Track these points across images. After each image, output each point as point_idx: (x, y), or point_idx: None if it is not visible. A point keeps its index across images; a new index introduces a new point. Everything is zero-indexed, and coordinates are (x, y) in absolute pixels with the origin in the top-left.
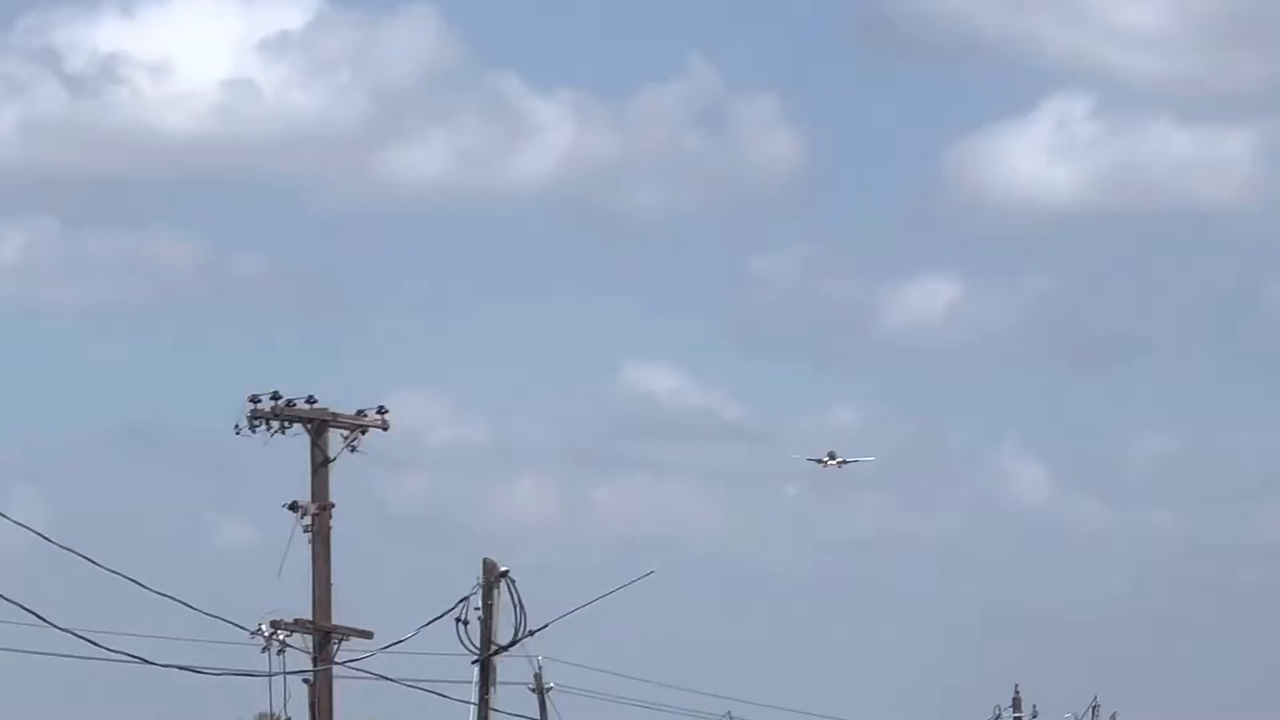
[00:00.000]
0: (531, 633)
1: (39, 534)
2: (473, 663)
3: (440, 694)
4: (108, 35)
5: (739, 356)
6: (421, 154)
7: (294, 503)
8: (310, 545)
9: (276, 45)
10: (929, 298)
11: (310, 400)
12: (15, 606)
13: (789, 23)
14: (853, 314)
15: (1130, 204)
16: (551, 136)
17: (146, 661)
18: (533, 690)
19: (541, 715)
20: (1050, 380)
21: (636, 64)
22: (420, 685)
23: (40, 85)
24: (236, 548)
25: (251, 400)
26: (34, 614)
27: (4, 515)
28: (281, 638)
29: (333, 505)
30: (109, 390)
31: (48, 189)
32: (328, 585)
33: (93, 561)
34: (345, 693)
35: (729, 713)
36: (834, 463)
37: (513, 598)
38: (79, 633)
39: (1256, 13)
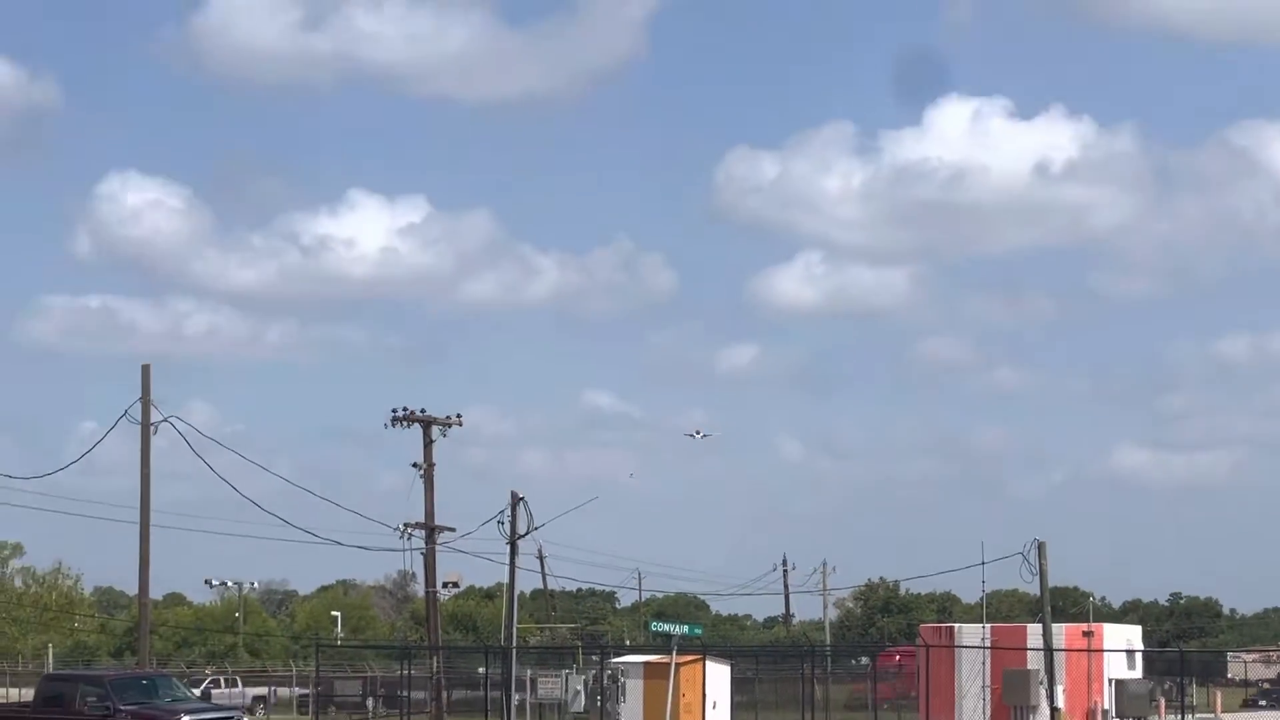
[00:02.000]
0: (536, 528)
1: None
2: (506, 543)
3: (489, 559)
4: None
5: None
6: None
7: (415, 462)
8: (424, 484)
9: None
10: None
11: (422, 410)
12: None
13: None
14: None
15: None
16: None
17: (340, 544)
18: (537, 557)
19: (542, 570)
20: None
21: None
22: (480, 555)
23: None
24: (390, 486)
25: (393, 411)
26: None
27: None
28: (409, 531)
29: (434, 464)
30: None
31: None
32: (433, 505)
33: (332, 501)
34: (441, 560)
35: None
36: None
37: (526, 511)
38: (313, 531)
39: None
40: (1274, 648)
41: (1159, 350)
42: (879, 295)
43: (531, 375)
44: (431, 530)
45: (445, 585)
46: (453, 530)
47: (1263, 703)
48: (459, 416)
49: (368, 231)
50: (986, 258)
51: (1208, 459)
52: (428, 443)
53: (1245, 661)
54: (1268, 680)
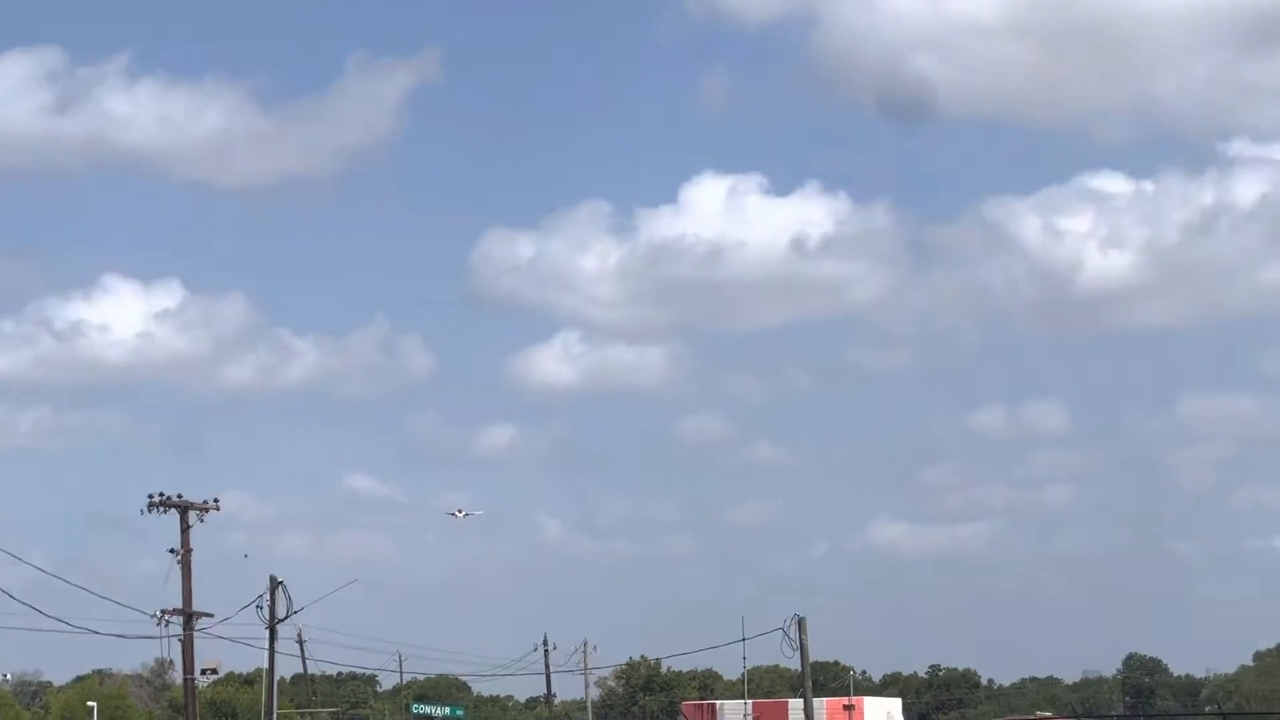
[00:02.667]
0: (295, 612)
1: (39, 566)
2: (265, 628)
3: (249, 644)
4: None
5: None
6: None
7: (172, 548)
8: (181, 570)
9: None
10: None
11: (179, 495)
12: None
13: None
14: None
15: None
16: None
17: (95, 632)
18: (297, 641)
19: (302, 654)
20: None
21: None
22: (239, 641)
23: None
24: (148, 573)
25: (149, 496)
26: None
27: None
28: (167, 617)
29: (191, 550)
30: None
31: None
32: (190, 591)
33: (86, 589)
34: (199, 647)
35: None
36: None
37: (286, 595)
38: (67, 620)
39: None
40: (1030, 717)
41: (916, 423)
42: (637, 373)
43: (291, 459)
44: (189, 616)
45: (204, 672)
46: (211, 616)
47: None
48: (216, 501)
49: (123, 316)
50: (744, 334)
51: (965, 531)
52: (185, 528)
53: None
54: None
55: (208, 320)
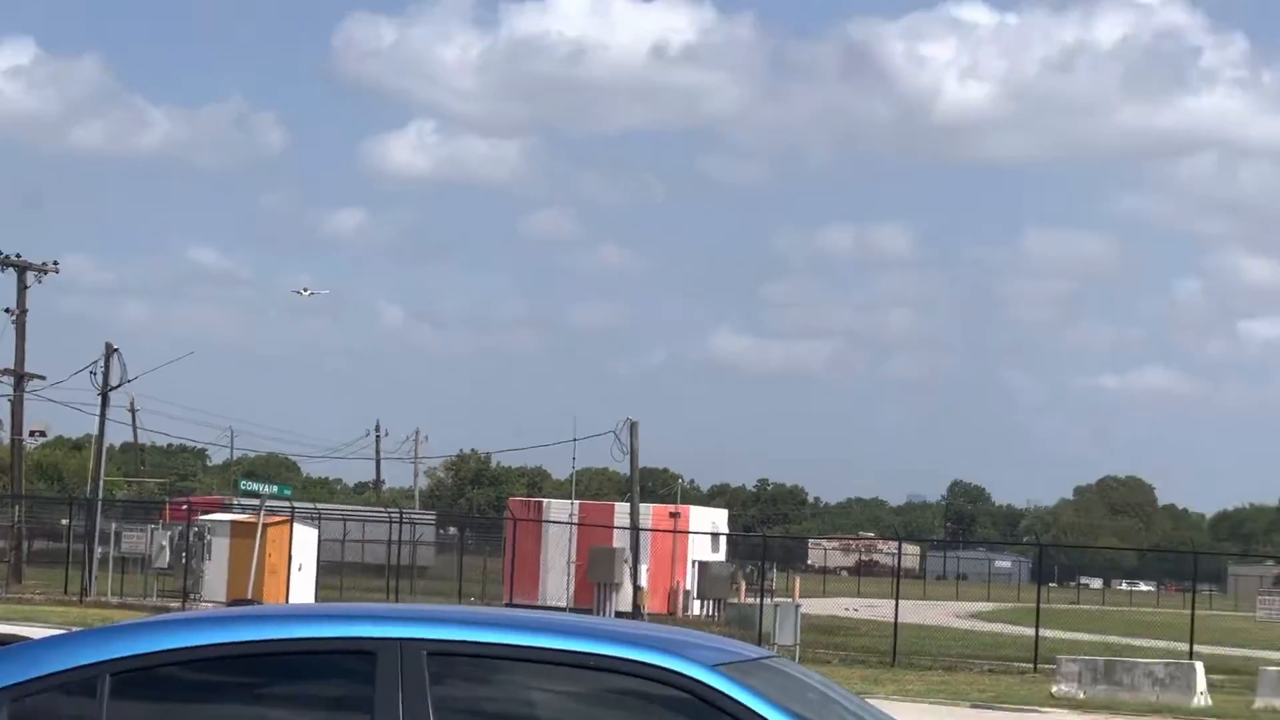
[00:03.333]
0: (129, 380)
1: None
2: (98, 394)
3: (79, 409)
4: None
5: None
6: None
7: (7, 308)
8: (15, 331)
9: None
10: None
11: (17, 254)
12: None
13: None
14: None
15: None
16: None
17: None
18: (129, 409)
19: (133, 423)
20: None
21: None
22: (70, 405)
23: None
24: None
25: None
26: None
27: None
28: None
29: (26, 310)
30: None
31: None
32: (23, 352)
33: None
34: (29, 409)
35: None
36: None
37: (121, 363)
38: None
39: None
40: (853, 536)
41: (763, 238)
42: (490, 167)
43: (135, 227)
44: (20, 377)
45: (32, 434)
46: (43, 379)
47: None
48: (55, 263)
49: None
50: (600, 136)
51: (804, 348)
52: (22, 288)
53: (825, 549)
54: (845, 568)
55: (59, 80)
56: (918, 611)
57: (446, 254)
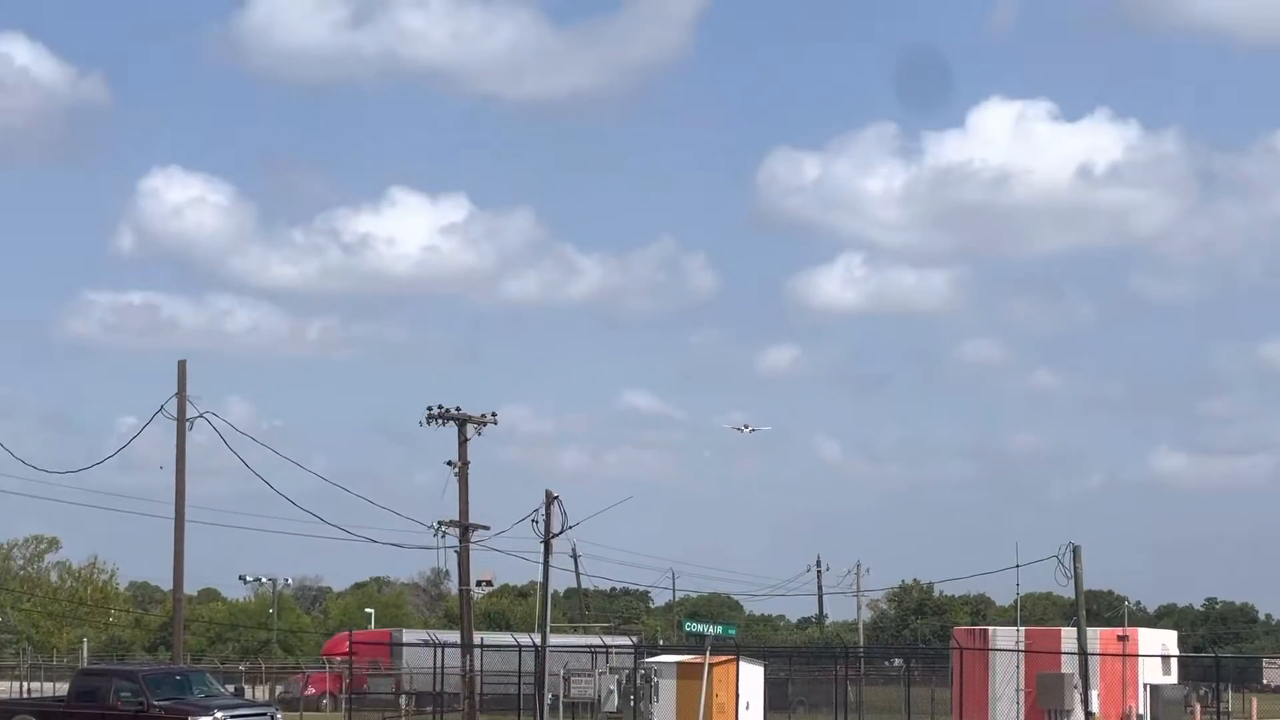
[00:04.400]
0: (570, 527)
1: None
2: (540, 542)
3: (523, 558)
4: None
5: None
6: None
7: (450, 460)
8: (458, 482)
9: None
10: None
11: (458, 408)
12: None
13: None
14: None
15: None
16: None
17: (374, 541)
18: (571, 556)
19: (575, 569)
20: None
21: None
22: (514, 554)
23: None
24: (425, 484)
25: (428, 408)
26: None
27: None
28: (444, 528)
29: (469, 462)
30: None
31: None
32: (467, 503)
33: (366, 498)
34: (475, 559)
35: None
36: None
37: (561, 510)
38: (347, 529)
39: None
40: None
41: (1199, 354)
42: (919, 297)
43: (570, 375)
44: (465, 528)
45: (479, 584)
46: (486, 529)
47: None
48: (494, 415)
49: (410, 229)
50: (1027, 260)
51: (1247, 463)
52: (463, 441)
53: None
54: None
55: (493, 235)
56: None
57: (880, 386)
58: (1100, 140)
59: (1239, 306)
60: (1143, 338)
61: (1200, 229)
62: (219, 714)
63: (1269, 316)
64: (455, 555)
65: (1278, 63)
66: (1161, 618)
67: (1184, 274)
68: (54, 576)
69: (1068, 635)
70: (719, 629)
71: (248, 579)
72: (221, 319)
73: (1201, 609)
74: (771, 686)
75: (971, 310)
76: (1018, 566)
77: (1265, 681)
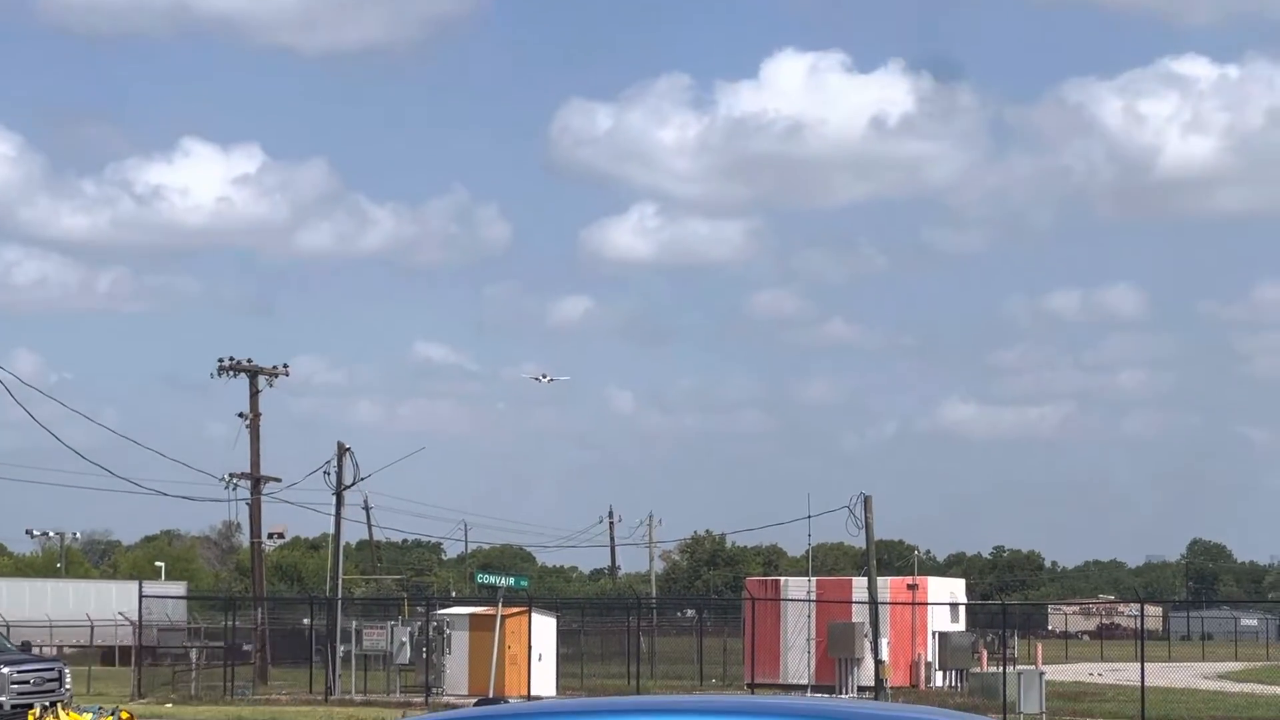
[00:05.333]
0: (363, 479)
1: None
2: (332, 494)
3: (315, 510)
4: None
5: None
6: None
7: (241, 413)
8: (249, 435)
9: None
10: None
11: (249, 360)
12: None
13: None
14: None
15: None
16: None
17: (164, 494)
18: (363, 508)
19: (368, 521)
20: None
21: None
22: (306, 506)
23: None
24: (217, 437)
25: (219, 360)
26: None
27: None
28: (235, 481)
29: (260, 415)
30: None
31: None
32: (259, 455)
33: (157, 451)
34: (267, 511)
35: None
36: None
37: (353, 462)
38: (137, 481)
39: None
40: (1093, 600)
41: (990, 305)
42: (713, 248)
43: (363, 326)
44: (257, 481)
45: (270, 536)
46: (278, 481)
47: None
48: (286, 367)
49: (202, 180)
50: (821, 212)
51: (1035, 414)
52: (254, 393)
53: (1066, 614)
54: (1086, 632)
55: (286, 186)
56: (1164, 674)
57: (673, 337)
58: (893, 92)
59: (1029, 258)
60: (935, 288)
61: (991, 180)
62: (5, 669)
63: (1058, 268)
64: (247, 508)
65: (1069, 16)
66: (951, 566)
67: (975, 225)
68: None
69: (858, 585)
70: (511, 581)
71: (34, 533)
72: (9, 271)
73: (990, 557)
74: (564, 638)
75: (765, 261)
76: (809, 517)
77: (1050, 627)
